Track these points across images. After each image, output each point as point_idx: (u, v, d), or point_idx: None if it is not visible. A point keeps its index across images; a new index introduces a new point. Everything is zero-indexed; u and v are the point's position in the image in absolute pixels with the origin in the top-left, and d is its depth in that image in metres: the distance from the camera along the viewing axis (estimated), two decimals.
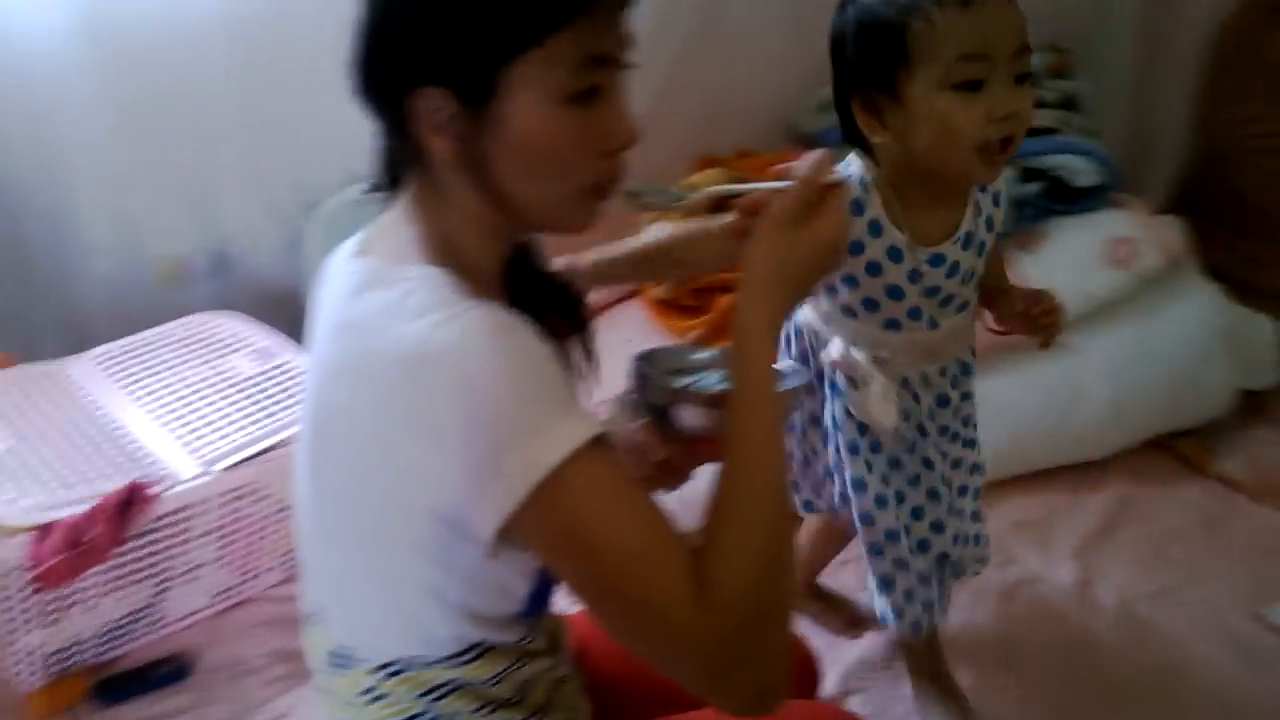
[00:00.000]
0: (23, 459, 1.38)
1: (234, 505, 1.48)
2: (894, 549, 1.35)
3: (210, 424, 1.52)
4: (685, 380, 1.00)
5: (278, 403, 1.56)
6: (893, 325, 1.27)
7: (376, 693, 0.92)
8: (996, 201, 1.30)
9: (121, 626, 1.44)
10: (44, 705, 1.37)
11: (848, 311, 1.28)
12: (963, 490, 1.42)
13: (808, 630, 1.57)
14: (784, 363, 1.00)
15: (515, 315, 0.82)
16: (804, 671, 1.27)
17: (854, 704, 1.51)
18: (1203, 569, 1.75)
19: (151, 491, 1.34)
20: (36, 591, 1.28)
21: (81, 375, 1.60)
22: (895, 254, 1.22)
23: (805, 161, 0.89)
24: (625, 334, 1.91)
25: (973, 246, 1.26)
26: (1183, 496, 1.93)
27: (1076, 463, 1.99)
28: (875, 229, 1.22)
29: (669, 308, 1.98)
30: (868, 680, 1.56)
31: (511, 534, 0.79)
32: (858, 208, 1.22)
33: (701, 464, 1.00)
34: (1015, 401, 1.91)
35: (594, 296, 2.00)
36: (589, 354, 1.01)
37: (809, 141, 2.22)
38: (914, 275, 1.23)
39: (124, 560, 1.38)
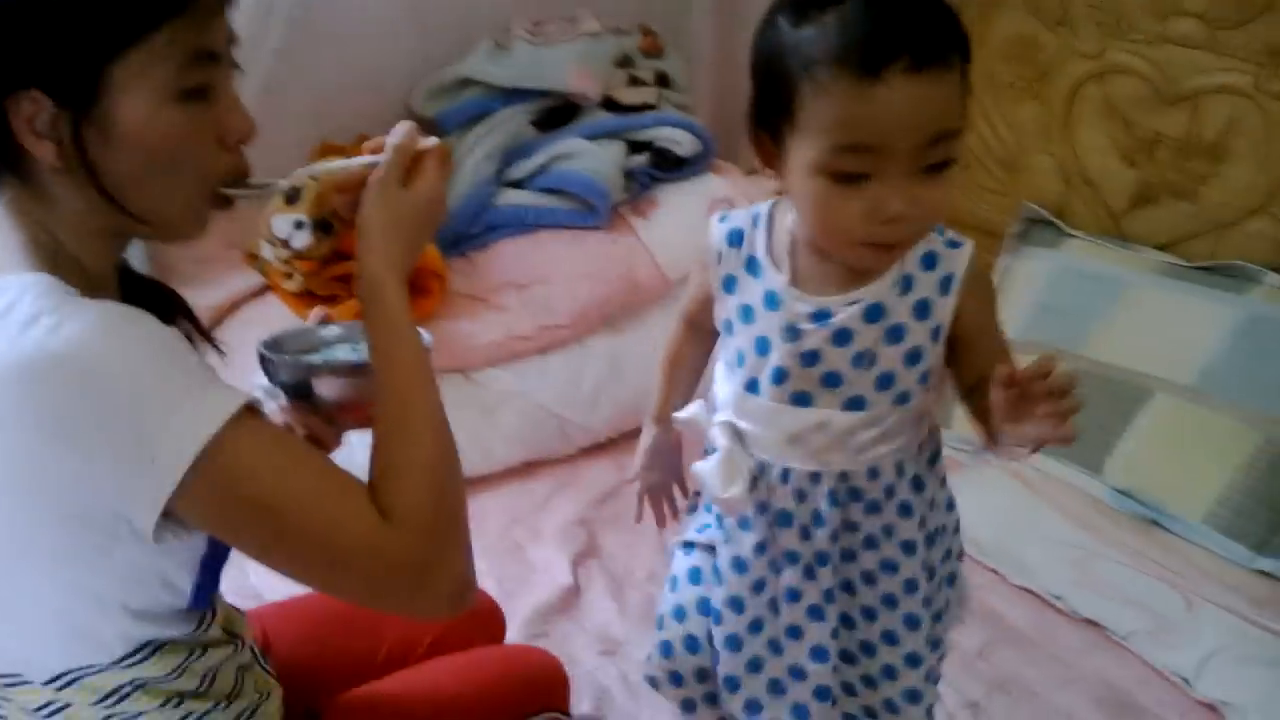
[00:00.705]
0: None
1: None
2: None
3: None
4: (316, 357, 1.03)
5: None
6: (752, 387, 1.07)
7: (55, 706, 0.89)
8: (946, 288, 1.01)
9: None
10: None
11: (728, 368, 1.10)
12: (868, 648, 1.15)
13: None
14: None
15: (132, 307, 0.82)
16: (490, 620, 1.34)
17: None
18: None
19: None
20: None
21: None
22: (771, 300, 1.03)
23: (396, 133, 0.93)
24: (266, 328, 1.86)
25: (881, 324, 1.00)
26: None
27: None
28: (753, 267, 1.05)
29: (307, 298, 1.95)
30: (549, 626, 1.66)
31: (178, 515, 0.79)
32: (735, 238, 1.06)
33: (346, 431, 1.04)
34: (648, 356, 2.06)
35: (223, 294, 1.96)
36: (213, 347, 1.02)
37: (428, 126, 2.26)
38: (790, 331, 1.02)
39: None
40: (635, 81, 2.38)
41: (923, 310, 1.01)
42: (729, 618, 1.15)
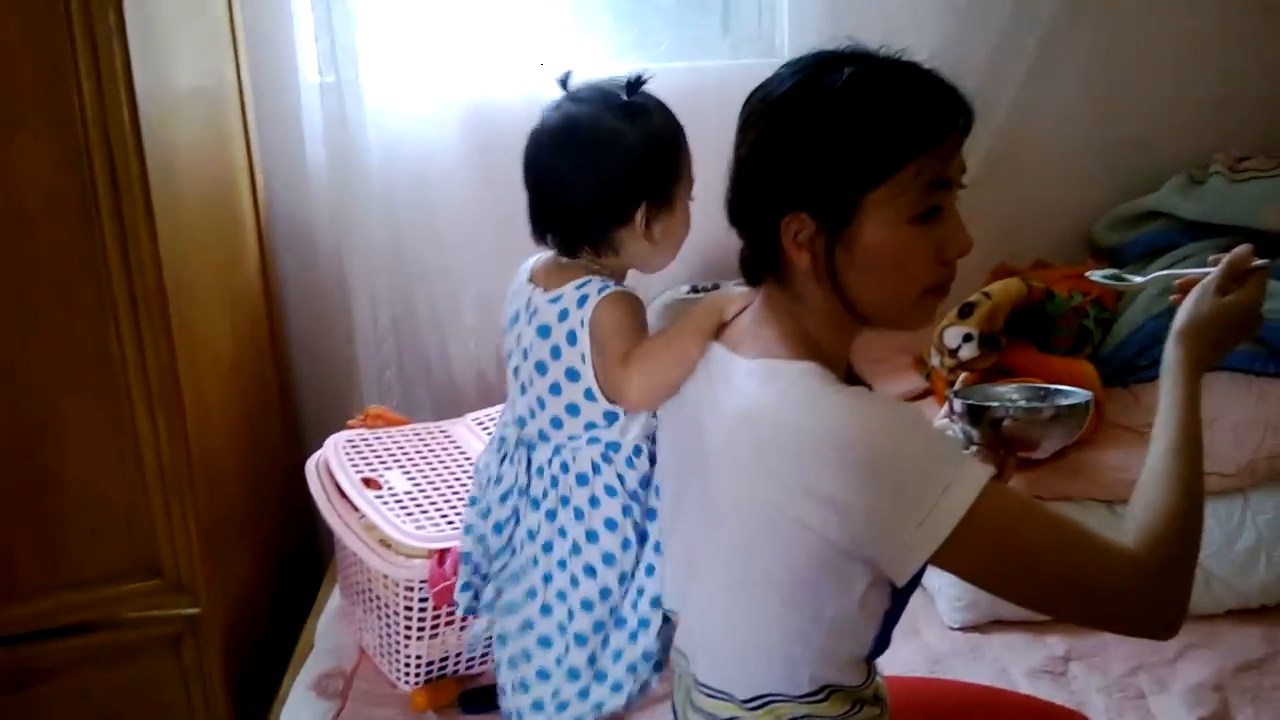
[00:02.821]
0: (418, 498, 1.67)
1: None
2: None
3: None
4: (999, 405, 1.30)
5: None
6: None
7: None
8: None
9: (485, 648, 1.67)
10: (422, 702, 1.62)
11: None
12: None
13: None
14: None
15: (884, 393, 1.00)
16: None
17: None
18: None
19: None
20: (437, 606, 1.54)
21: (459, 435, 1.89)
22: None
23: (1234, 252, 1.10)
24: None
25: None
26: None
27: None
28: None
29: None
30: None
31: (936, 563, 0.95)
32: None
33: (1017, 466, 1.29)
34: None
35: (890, 393, 2.16)
36: None
37: (1106, 256, 2.29)
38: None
39: None
40: None
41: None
42: None
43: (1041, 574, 0.96)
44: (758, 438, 0.99)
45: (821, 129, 0.97)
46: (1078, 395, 1.29)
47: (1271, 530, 1.90)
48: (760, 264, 1.08)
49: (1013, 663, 1.77)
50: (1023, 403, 1.31)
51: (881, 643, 1.09)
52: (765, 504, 0.98)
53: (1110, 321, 2.14)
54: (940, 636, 1.85)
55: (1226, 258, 1.10)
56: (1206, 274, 1.10)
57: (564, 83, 1.25)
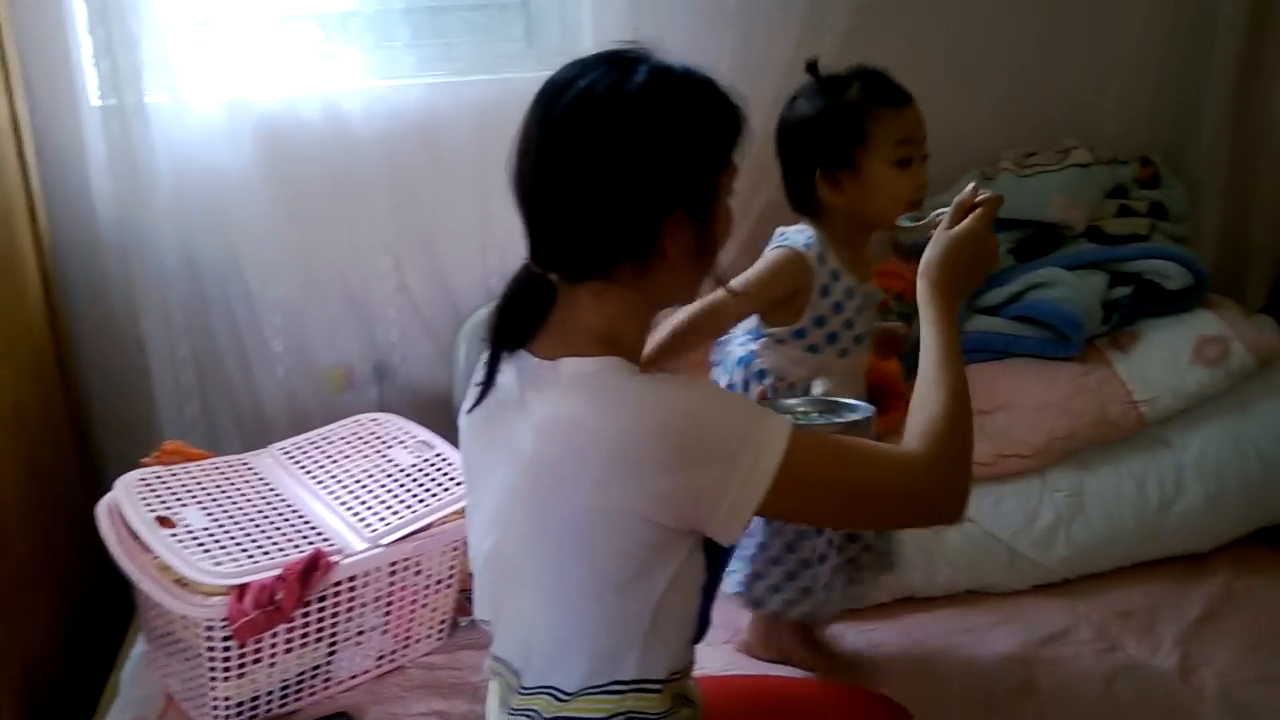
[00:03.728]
0: (217, 535, 1.60)
1: (397, 576, 1.66)
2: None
3: (376, 506, 1.71)
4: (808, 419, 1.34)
5: (433, 488, 1.76)
6: (843, 354, 1.60)
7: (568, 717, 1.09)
8: None
9: (298, 683, 1.62)
10: None
11: (812, 349, 1.58)
12: None
13: None
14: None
15: (680, 376, 1.07)
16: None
17: None
18: None
19: (330, 560, 1.54)
20: (241, 645, 1.48)
21: (263, 466, 1.82)
22: (849, 292, 1.58)
23: (962, 192, 1.26)
24: None
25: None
26: None
27: (1179, 555, 2.05)
28: (836, 275, 1.56)
29: None
30: None
31: (759, 512, 1.04)
32: (821, 261, 1.55)
33: None
34: (1114, 494, 2.01)
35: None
36: None
37: (907, 253, 2.37)
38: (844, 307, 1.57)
39: (303, 622, 1.58)
40: (1126, 212, 2.32)
41: None
42: None
43: (850, 493, 1.08)
44: (574, 444, 1.04)
45: (681, 127, 1.05)
46: (861, 410, 1.32)
47: (1069, 507, 2.00)
48: (603, 263, 1.08)
49: None
50: (817, 417, 1.34)
51: (703, 622, 1.16)
52: (592, 506, 1.02)
53: (911, 315, 2.22)
54: None
55: (955, 199, 1.25)
56: (939, 215, 1.28)
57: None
